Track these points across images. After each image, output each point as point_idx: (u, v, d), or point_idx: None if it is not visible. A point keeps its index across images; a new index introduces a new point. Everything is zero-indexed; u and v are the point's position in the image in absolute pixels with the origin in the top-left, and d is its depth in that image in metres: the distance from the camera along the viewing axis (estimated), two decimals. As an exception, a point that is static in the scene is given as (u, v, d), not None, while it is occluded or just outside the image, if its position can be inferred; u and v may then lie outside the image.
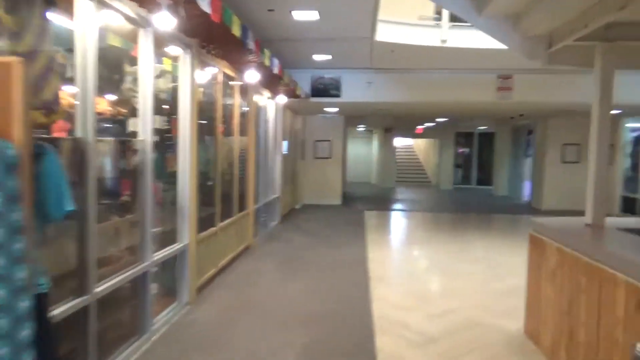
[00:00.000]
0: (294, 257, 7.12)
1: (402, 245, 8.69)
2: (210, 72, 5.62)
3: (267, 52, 5.82)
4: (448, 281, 6.06)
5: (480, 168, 21.25)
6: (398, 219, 12.05)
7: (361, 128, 21.43)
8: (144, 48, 3.76)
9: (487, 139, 21.10)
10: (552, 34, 4.08)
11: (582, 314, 3.13)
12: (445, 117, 14.72)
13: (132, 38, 3.85)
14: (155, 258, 4.06)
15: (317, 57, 8.62)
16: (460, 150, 21.34)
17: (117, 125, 3.96)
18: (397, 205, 14.36)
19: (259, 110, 8.17)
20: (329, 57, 8.59)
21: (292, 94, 8.70)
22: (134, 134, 3.88)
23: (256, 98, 7.93)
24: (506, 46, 4.55)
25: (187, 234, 4.72)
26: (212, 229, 5.60)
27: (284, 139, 10.75)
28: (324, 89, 9.81)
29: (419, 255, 7.92)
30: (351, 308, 4.89)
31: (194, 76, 4.70)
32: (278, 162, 9.91)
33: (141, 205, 3.84)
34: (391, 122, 17.09)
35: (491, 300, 5.19)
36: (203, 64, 5.16)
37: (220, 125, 5.81)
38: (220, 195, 5.87)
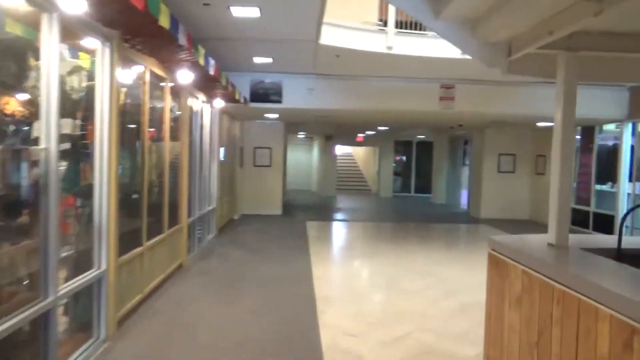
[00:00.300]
0: (231, 276, 6.53)
1: (347, 259, 8.30)
2: (136, 71, 4.95)
3: (201, 49, 5.23)
4: (398, 300, 5.72)
5: (419, 176, 21.52)
6: (341, 230, 11.71)
7: (302, 135, 21.06)
8: (48, 37, 3.09)
9: (425, 148, 21.44)
10: (512, 41, 3.85)
11: (555, 347, 2.84)
12: (387, 126, 14.66)
13: (37, 26, 3.17)
14: (63, 291, 3.37)
15: (258, 60, 8.11)
16: (397, 158, 21.51)
17: (20, 130, 3.25)
18: (339, 215, 14.06)
19: (193, 115, 7.52)
20: (270, 60, 8.10)
21: (230, 98, 8.12)
22: (36, 141, 3.18)
23: (190, 101, 7.27)
24: (464, 52, 4.28)
25: (104, 257, 4.03)
26: (138, 250, 4.91)
27: (221, 146, 10.11)
28: (264, 94, 9.29)
29: (365, 270, 7.58)
30: (297, 335, 4.40)
31: (114, 74, 4.04)
32: (214, 170, 9.26)
33: (44, 228, 3.15)
34: (332, 129, 16.83)
35: (444, 321, 4.89)
36: (127, 60, 4.49)
37: (147, 130, 5.14)
38: (147, 209, 5.18)
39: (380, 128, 15.21)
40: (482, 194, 13.51)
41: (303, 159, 23.16)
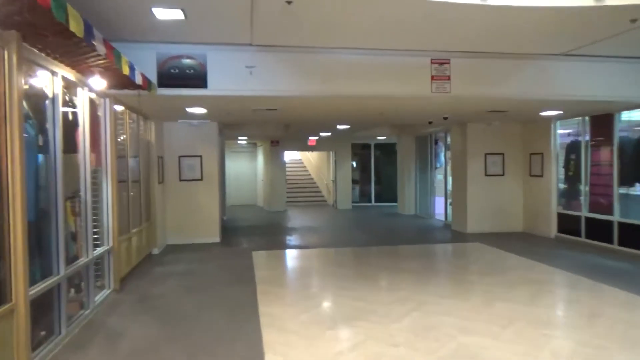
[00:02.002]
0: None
1: (318, 328, 5.20)
2: None
3: None
4: None
5: (379, 184, 19.01)
6: (298, 264, 8.78)
7: (243, 140, 17.96)
8: None
9: (385, 150, 18.98)
10: None
11: None
12: (350, 123, 11.88)
13: None
14: None
15: (160, 13, 5.07)
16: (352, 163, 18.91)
17: None
18: (293, 238, 11.12)
19: (42, 99, 4.37)
20: (180, 14, 5.10)
21: (118, 78, 5.03)
22: None
23: (35, 80, 4.15)
24: None
25: None
26: None
27: (124, 154, 6.96)
28: (180, 76, 6.25)
29: (351, 351, 4.68)
30: None
31: None
32: (109, 192, 6.11)
33: None
34: (279, 131, 13.89)
35: None
36: None
37: None
38: None
39: (340, 127, 12.40)
40: (468, 203, 11.04)
41: (245, 169, 20.03)
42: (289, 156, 19.76)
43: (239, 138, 16.50)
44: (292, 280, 7.16)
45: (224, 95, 6.49)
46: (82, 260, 5.18)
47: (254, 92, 6.46)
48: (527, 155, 10.96)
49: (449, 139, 12.73)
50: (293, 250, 9.62)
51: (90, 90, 5.42)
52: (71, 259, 4.97)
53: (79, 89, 5.19)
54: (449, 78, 6.89)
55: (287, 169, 18.15)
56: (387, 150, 18.95)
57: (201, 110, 7.99)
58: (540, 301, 5.65)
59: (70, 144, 4.96)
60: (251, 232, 12.00)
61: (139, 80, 5.22)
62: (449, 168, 12.84)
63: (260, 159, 18.78)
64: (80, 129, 5.24)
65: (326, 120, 10.87)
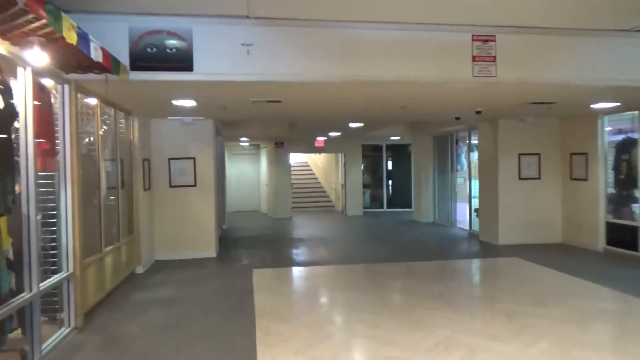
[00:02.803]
0: None
1: None
2: None
3: None
4: None
5: (392, 188, 17.65)
6: (308, 288, 7.44)
7: (244, 142, 16.67)
8: None
9: (398, 151, 17.65)
10: None
11: None
12: (363, 121, 10.54)
13: None
14: None
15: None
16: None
17: None
18: (300, 251, 9.80)
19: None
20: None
21: (66, 51, 3.73)
22: None
23: None
24: None
25: None
26: None
27: (95, 156, 5.69)
28: (159, 57, 4.95)
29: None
30: None
31: None
32: (68, 203, 4.82)
33: None
34: (284, 130, 12.60)
35: None
36: None
37: None
38: None
39: (352, 125, 11.04)
40: (500, 210, 9.67)
41: (248, 172, 18.73)
42: (295, 158, 18.44)
43: (241, 139, 15.21)
44: (299, 313, 5.80)
45: (215, 80, 5.17)
46: (22, 297, 3.87)
47: (251, 76, 5.14)
48: (568, 156, 9.57)
49: (472, 139, 11.38)
50: (300, 268, 8.28)
51: (38, 73, 4.13)
52: (4, 297, 3.67)
53: (19, 69, 3.90)
54: (494, 59, 5.54)
55: (292, 173, 16.82)
56: (400, 152, 17.62)
57: (190, 103, 6.68)
58: (632, 349, 4.28)
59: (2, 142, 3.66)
60: (253, 244, 10.68)
61: (97, 56, 3.90)
62: (472, 170, 11.49)
63: (264, 161, 17.48)
64: (22, 122, 3.94)
65: (338, 117, 9.53)
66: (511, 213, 9.65)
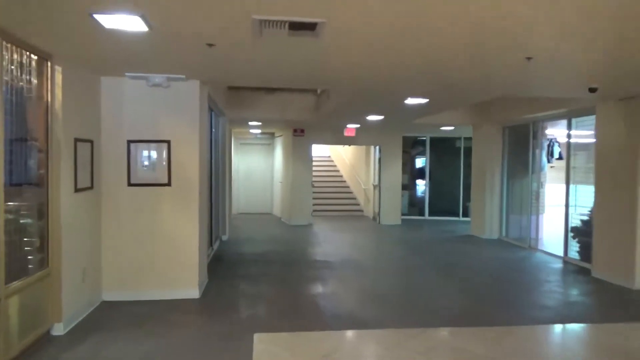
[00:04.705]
0: None
1: None
2: None
3: None
4: None
5: (436, 191, 14.27)
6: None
7: (255, 128, 13.41)
8: None
9: (444, 146, 14.28)
10: None
11: None
12: (430, 94, 7.11)
13: None
14: None
15: None
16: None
17: None
18: (330, 289, 6.52)
19: None
20: None
21: None
22: None
23: None
24: None
25: None
26: None
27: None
28: None
29: None
30: None
31: None
32: None
33: None
34: (306, 113, 9.32)
35: None
36: None
37: None
38: None
39: (410, 102, 7.49)
40: (638, 235, 6.29)
41: (259, 166, 15.51)
42: (316, 151, 15.08)
43: (250, 124, 11.96)
44: None
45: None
46: None
47: None
48: None
49: (569, 130, 8.01)
50: (330, 334, 4.98)
51: None
52: None
53: None
54: None
55: (313, 168, 13.53)
56: (447, 147, 14.25)
57: (133, 20, 3.36)
58: None
59: None
60: (259, 271, 7.43)
61: None
62: (572, 172, 8.12)
63: (279, 153, 14.23)
64: None
65: (401, 80, 5.91)
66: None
